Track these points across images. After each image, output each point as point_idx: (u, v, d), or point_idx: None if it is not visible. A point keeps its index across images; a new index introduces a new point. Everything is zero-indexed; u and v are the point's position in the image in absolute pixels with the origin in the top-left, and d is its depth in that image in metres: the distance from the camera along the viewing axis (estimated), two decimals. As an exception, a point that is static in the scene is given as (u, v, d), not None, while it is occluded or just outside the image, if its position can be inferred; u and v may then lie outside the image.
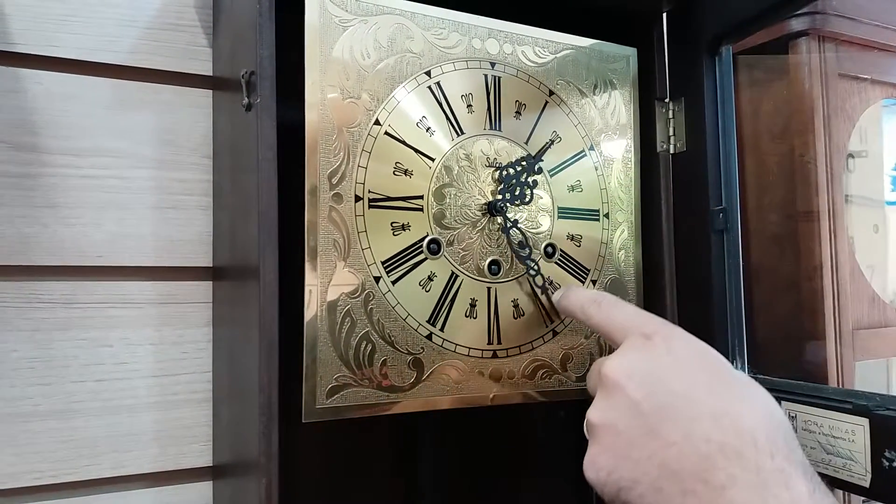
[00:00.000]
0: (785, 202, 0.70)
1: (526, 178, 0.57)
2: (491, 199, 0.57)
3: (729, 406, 0.39)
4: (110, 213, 0.62)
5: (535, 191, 0.58)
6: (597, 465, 0.41)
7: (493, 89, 0.58)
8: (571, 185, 0.61)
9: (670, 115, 0.64)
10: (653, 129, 0.65)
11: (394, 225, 0.53)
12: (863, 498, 0.53)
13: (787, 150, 0.70)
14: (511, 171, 0.57)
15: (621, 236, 0.63)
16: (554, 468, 0.71)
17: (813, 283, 0.69)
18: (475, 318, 0.55)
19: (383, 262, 0.52)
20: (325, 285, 0.50)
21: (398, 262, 0.53)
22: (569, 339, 0.59)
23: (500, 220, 0.56)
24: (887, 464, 0.46)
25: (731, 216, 0.60)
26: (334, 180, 0.51)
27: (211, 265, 0.66)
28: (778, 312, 0.69)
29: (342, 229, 0.51)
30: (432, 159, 0.55)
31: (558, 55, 0.61)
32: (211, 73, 0.67)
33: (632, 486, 0.39)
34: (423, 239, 0.54)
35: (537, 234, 0.59)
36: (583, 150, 0.62)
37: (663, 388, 0.41)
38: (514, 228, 0.57)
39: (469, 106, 0.57)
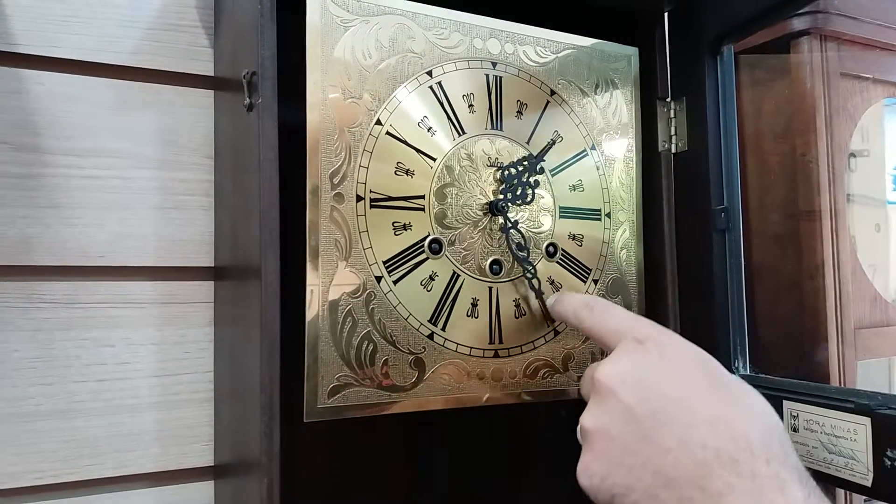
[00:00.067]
0: (786, 201, 0.70)
1: (527, 178, 0.57)
2: (492, 198, 0.57)
3: (724, 411, 0.39)
4: (112, 214, 0.63)
5: (536, 190, 0.58)
6: (590, 472, 0.41)
7: (495, 89, 0.58)
8: (573, 185, 0.61)
9: (672, 115, 0.64)
10: (654, 129, 0.65)
11: (395, 225, 0.53)
12: (864, 497, 0.53)
13: (789, 149, 0.70)
14: (513, 170, 0.57)
15: (623, 236, 0.63)
16: (555, 468, 0.71)
17: (815, 282, 0.68)
18: (476, 318, 0.55)
19: (385, 262, 0.52)
20: (327, 285, 0.50)
21: (399, 262, 0.53)
22: (570, 339, 0.59)
23: (500, 220, 0.56)
24: (889, 463, 0.46)
25: (732, 216, 0.60)
26: (336, 180, 0.51)
27: (212, 265, 0.66)
28: (780, 312, 0.69)
29: (343, 229, 0.51)
30: (434, 159, 0.55)
31: (560, 55, 0.61)
32: (212, 74, 0.67)
33: (626, 493, 0.39)
34: (424, 239, 0.54)
35: (539, 233, 0.59)
36: (584, 150, 0.62)
37: (656, 394, 0.40)
38: (514, 229, 0.56)
39: (470, 106, 0.57)
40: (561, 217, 0.60)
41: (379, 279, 0.52)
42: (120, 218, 0.63)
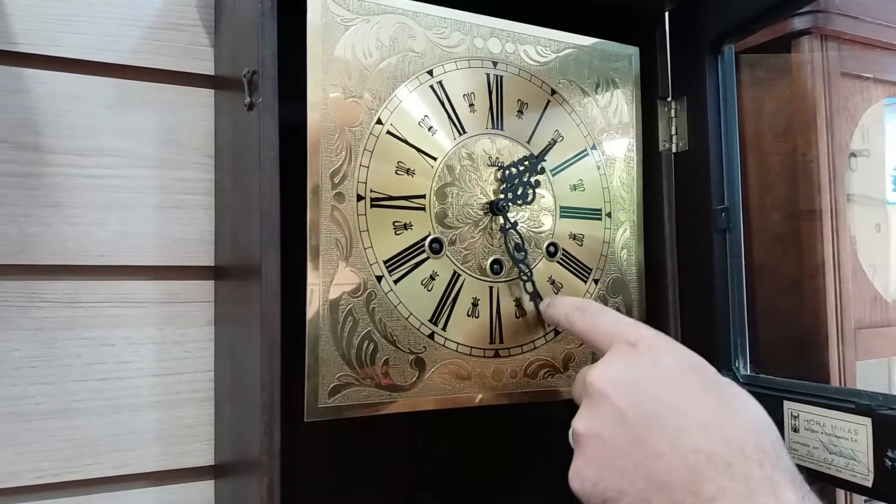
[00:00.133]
0: (787, 201, 0.70)
1: (528, 178, 0.57)
2: (493, 198, 0.57)
3: (716, 415, 0.38)
4: (113, 213, 0.63)
5: (537, 190, 0.58)
6: (582, 476, 0.41)
7: (496, 88, 0.58)
8: (573, 185, 0.61)
9: (672, 114, 0.64)
10: (655, 129, 0.65)
11: (396, 224, 0.53)
12: (865, 498, 0.53)
13: (790, 149, 0.70)
14: (513, 170, 0.57)
15: (623, 235, 0.63)
16: (555, 468, 0.71)
17: (815, 282, 0.69)
18: (477, 318, 0.55)
19: (385, 262, 0.52)
20: (327, 284, 0.50)
21: (400, 262, 0.53)
22: (571, 339, 0.59)
23: (501, 219, 0.56)
24: (890, 463, 0.46)
25: (733, 215, 0.60)
26: (336, 179, 0.51)
27: (213, 264, 0.66)
28: (780, 312, 0.69)
29: (344, 228, 0.51)
30: (434, 158, 0.55)
31: (560, 54, 0.61)
32: (213, 73, 0.67)
33: (618, 498, 0.38)
34: (425, 238, 0.54)
35: (539, 233, 0.59)
36: (585, 150, 0.62)
37: (649, 397, 0.40)
38: (513, 230, 0.56)
39: (471, 105, 0.57)
40: (561, 217, 0.60)
41: (379, 279, 0.52)
42: (121, 217, 0.63)
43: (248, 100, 0.49)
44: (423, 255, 0.54)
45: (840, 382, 0.68)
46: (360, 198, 0.51)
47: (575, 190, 0.61)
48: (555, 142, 0.60)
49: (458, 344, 0.54)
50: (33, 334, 0.60)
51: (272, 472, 0.44)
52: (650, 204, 0.65)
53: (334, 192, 0.50)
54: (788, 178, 0.70)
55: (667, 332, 0.61)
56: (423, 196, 0.54)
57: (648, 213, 0.65)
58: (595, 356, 0.60)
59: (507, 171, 0.57)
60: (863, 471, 0.47)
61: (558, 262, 0.59)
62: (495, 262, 0.56)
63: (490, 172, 0.57)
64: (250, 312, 0.50)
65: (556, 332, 0.59)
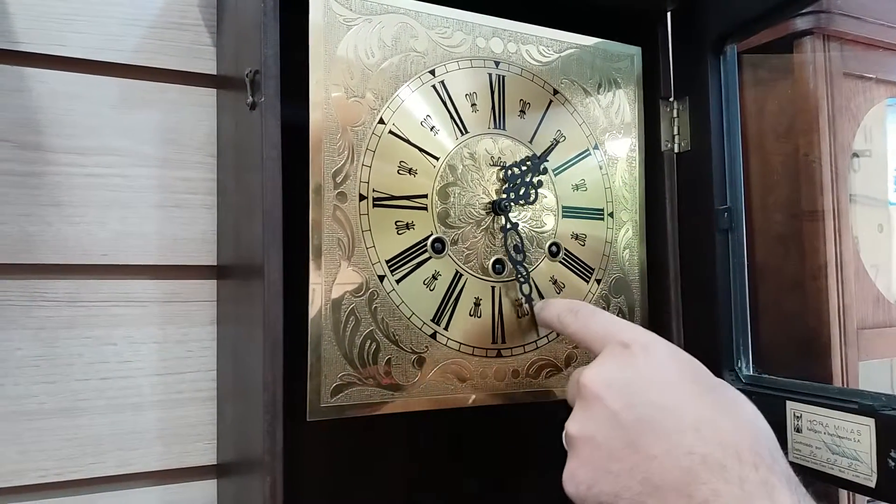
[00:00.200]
0: (789, 201, 0.70)
1: (530, 178, 0.57)
2: (495, 198, 0.57)
3: (711, 417, 0.38)
4: (114, 212, 0.63)
5: (539, 190, 0.58)
6: (576, 479, 0.40)
7: (498, 88, 0.58)
8: (576, 185, 0.61)
9: (675, 115, 0.64)
10: (657, 129, 0.65)
11: (398, 224, 0.53)
12: (868, 498, 0.53)
13: (792, 149, 0.70)
14: (516, 170, 0.57)
15: (626, 235, 0.63)
16: (558, 468, 0.71)
17: (817, 282, 0.69)
18: (479, 317, 0.55)
19: (387, 261, 0.52)
20: (330, 284, 0.50)
21: (402, 261, 0.53)
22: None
23: (502, 219, 0.56)
24: (893, 464, 0.46)
25: (735, 215, 0.60)
26: (338, 179, 0.51)
27: (215, 264, 0.66)
28: (783, 312, 0.69)
29: (346, 228, 0.51)
30: (436, 158, 0.55)
31: (562, 54, 0.61)
32: (215, 72, 0.67)
33: (613, 501, 0.38)
34: (427, 238, 0.54)
35: (541, 233, 0.59)
36: (587, 150, 0.62)
37: (642, 399, 0.39)
38: (514, 231, 0.56)
39: (473, 105, 0.57)
40: (564, 217, 0.60)
41: (382, 278, 0.52)
42: (122, 216, 0.63)
43: (250, 99, 0.49)
44: (426, 255, 0.54)
45: (843, 383, 0.68)
46: (362, 197, 0.51)
47: (577, 190, 0.61)
48: (557, 142, 0.60)
49: (460, 344, 0.54)
50: (35, 333, 0.60)
51: (275, 472, 0.44)
52: (652, 204, 0.65)
53: (336, 191, 0.50)
54: (791, 178, 0.70)
55: (669, 333, 0.62)
56: (426, 196, 0.54)
57: (651, 213, 0.64)
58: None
59: (510, 171, 0.57)
60: (866, 471, 0.47)
61: (560, 262, 0.59)
62: (497, 261, 0.56)
63: (492, 172, 0.57)
64: (253, 312, 0.50)
65: (557, 333, 0.59)
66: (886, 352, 0.75)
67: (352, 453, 0.65)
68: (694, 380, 0.41)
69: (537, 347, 0.58)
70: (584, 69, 0.62)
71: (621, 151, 0.64)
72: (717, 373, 0.57)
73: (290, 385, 0.46)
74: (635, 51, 0.65)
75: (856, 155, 0.75)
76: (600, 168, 0.62)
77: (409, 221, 0.53)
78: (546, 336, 0.58)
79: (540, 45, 0.60)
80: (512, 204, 0.56)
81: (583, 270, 0.60)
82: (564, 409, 0.44)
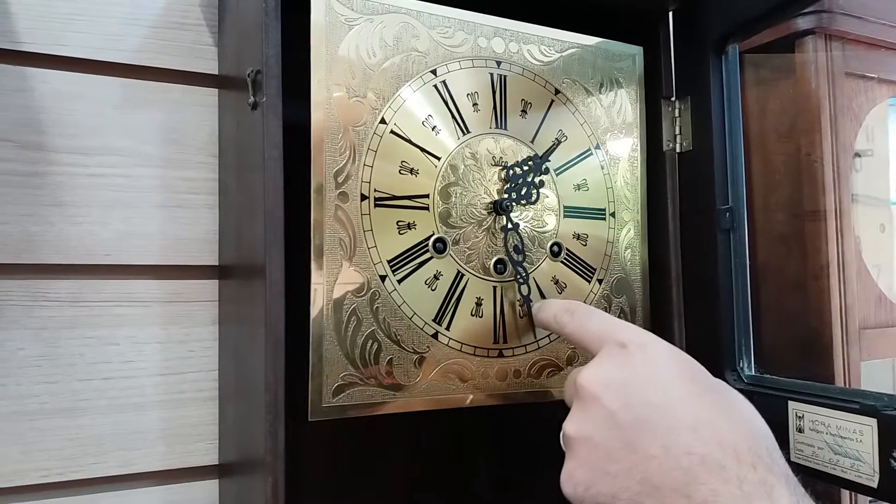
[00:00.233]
0: (791, 201, 0.70)
1: (532, 178, 0.57)
2: (497, 197, 0.56)
3: (709, 416, 0.38)
4: (117, 212, 0.63)
5: (540, 190, 0.58)
6: (574, 480, 0.40)
7: (499, 88, 0.58)
8: (577, 184, 0.61)
9: (676, 114, 0.64)
10: (659, 128, 0.65)
11: (399, 224, 0.53)
12: (870, 498, 0.53)
13: (794, 149, 0.70)
14: (517, 170, 0.57)
15: (627, 235, 0.63)
16: (560, 468, 0.71)
17: (819, 282, 0.68)
18: (481, 317, 0.55)
19: (389, 261, 0.52)
20: (331, 284, 0.50)
21: (404, 261, 0.53)
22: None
23: (504, 219, 0.56)
24: (895, 464, 0.46)
25: (737, 215, 0.60)
26: (340, 179, 0.51)
27: (217, 264, 0.66)
28: (784, 312, 0.69)
29: (348, 228, 0.51)
30: (438, 158, 0.55)
31: (564, 54, 0.61)
32: (217, 72, 0.67)
33: (611, 502, 0.38)
34: (428, 238, 0.54)
35: (543, 233, 0.59)
36: (589, 149, 0.62)
37: (640, 399, 0.39)
38: (514, 232, 0.56)
39: (475, 105, 0.57)
40: (565, 216, 0.60)
41: (383, 278, 0.52)
42: (124, 216, 0.63)
43: (251, 99, 0.49)
44: (427, 255, 0.54)
45: (845, 383, 0.68)
46: (363, 197, 0.51)
47: (579, 190, 0.61)
48: (559, 142, 0.60)
49: (462, 343, 0.54)
50: (38, 333, 0.60)
51: (276, 472, 0.44)
52: (654, 204, 0.65)
53: (338, 191, 0.50)
54: (792, 178, 0.70)
55: (671, 333, 0.62)
56: (427, 196, 0.54)
57: (652, 212, 0.64)
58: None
59: (511, 171, 0.57)
60: (868, 471, 0.47)
61: (562, 261, 0.59)
62: (499, 261, 0.56)
63: (494, 172, 0.57)
64: (254, 312, 0.50)
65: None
66: (888, 352, 0.75)
67: (353, 453, 0.65)
68: (692, 380, 0.41)
69: (539, 347, 0.58)
70: (585, 69, 0.62)
71: (623, 151, 0.63)
72: (719, 373, 0.57)
73: (291, 385, 0.46)
74: (637, 50, 0.65)
75: (858, 155, 0.75)
76: (602, 168, 0.62)
77: (411, 221, 0.53)
78: (548, 336, 0.58)
79: (541, 44, 0.60)
80: (513, 204, 0.56)
81: (584, 270, 0.60)
82: (565, 409, 0.44)
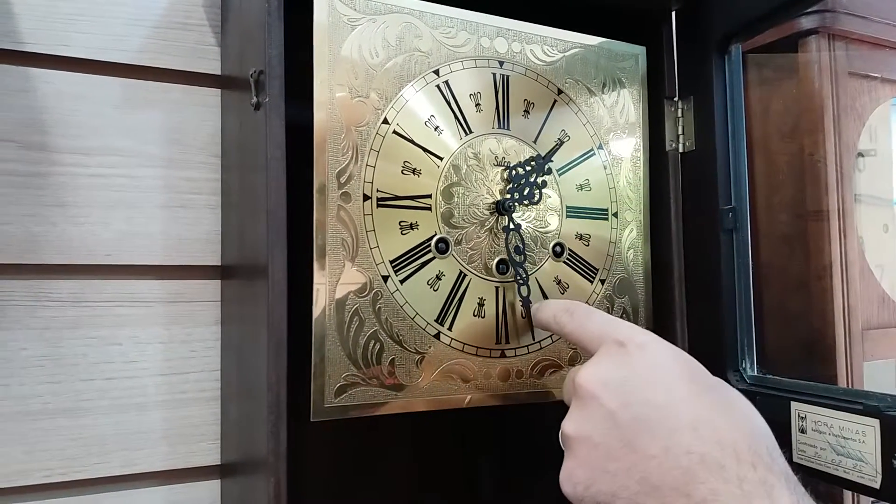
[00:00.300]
0: (794, 201, 0.69)
1: (535, 179, 0.57)
2: (499, 198, 0.56)
3: (708, 415, 0.38)
4: (119, 212, 0.63)
5: (543, 190, 0.58)
6: (574, 479, 0.40)
7: (502, 88, 0.58)
8: (580, 184, 0.61)
9: (679, 114, 0.64)
10: (662, 128, 0.65)
11: (402, 224, 0.53)
12: (872, 499, 0.53)
13: (797, 149, 0.70)
14: (520, 170, 0.57)
15: (630, 235, 0.63)
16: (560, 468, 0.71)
17: (822, 282, 0.68)
18: (483, 318, 0.55)
19: (391, 261, 0.52)
20: (334, 284, 0.50)
21: (406, 261, 0.53)
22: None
23: (506, 220, 0.56)
24: (898, 465, 0.46)
25: (740, 215, 0.60)
26: (343, 179, 0.51)
27: (219, 264, 0.66)
28: (787, 312, 0.69)
29: (350, 228, 0.51)
30: (440, 158, 0.55)
31: (567, 54, 0.61)
32: (219, 73, 0.67)
33: (610, 501, 0.38)
34: (431, 238, 0.54)
35: (545, 233, 0.59)
36: (591, 149, 0.62)
37: (639, 398, 0.39)
38: (516, 232, 0.56)
39: (477, 105, 0.57)
40: (568, 217, 0.60)
41: (386, 278, 0.52)
42: (127, 216, 0.63)
43: (254, 99, 0.49)
44: (430, 255, 0.54)
45: (847, 383, 0.68)
46: (366, 197, 0.51)
47: (581, 190, 0.61)
48: (562, 142, 0.60)
49: (464, 344, 0.54)
50: (40, 333, 0.60)
51: (279, 472, 0.45)
52: (657, 204, 0.64)
53: (341, 191, 0.50)
54: (795, 178, 0.70)
55: (673, 333, 0.62)
56: (430, 196, 0.54)
57: (655, 213, 0.64)
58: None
59: (514, 171, 0.57)
60: (870, 472, 0.47)
61: (564, 262, 0.59)
62: (501, 262, 0.56)
63: (496, 172, 0.57)
64: (257, 312, 0.50)
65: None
66: (891, 352, 0.75)
67: (355, 453, 0.65)
68: (691, 379, 0.41)
69: (541, 348, 0.58)
70: (588, 69, 0.62)
71: (626, 151, 0.63)
72: (722, 373, 0.57)
73: (293, 385, 0.46)
74: (640, 50, 0.65)
75: (861, 154, 0.75)
76: (605, 168, 0.62)
77: (413, 221, 0.53)
78: (550, 336, 0.58)
79: (544, 44, 0.60)
80: (516, 204, 0.56)
81: (587, 270, 0.60)
82: (567, 409, 0.44)
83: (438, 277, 0.54)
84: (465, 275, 0.55)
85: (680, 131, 0.64)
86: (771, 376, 0.58)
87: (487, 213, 0.56)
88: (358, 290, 0.51)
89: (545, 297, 0.58)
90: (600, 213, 0.61)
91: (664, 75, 0.65)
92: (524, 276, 0.56)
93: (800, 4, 0.60)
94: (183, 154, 0.65)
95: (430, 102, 0.55)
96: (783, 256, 0.69)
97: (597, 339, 0.45)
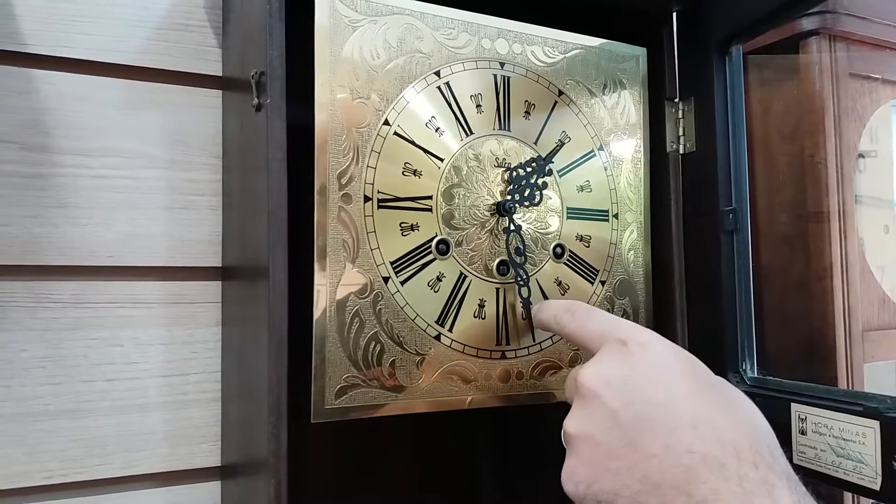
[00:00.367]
0: (795, 203, 0.69)
1: (535, 180, 0.57)
2: (500, 199, 0.56)
3: (710, 414, 0.38)
4: (121, 214, 0.63)
5: (543, 191, 0.58)
6: (575, 478, 0.40)
7: (503, 89, 0.58)
8: (580, 186, 0.61)
9: (680, 115, 0.64)
10: (662, 129, 0.65)
11: (403, 225, 0.53)
12: (872, 501, 0.53)
13: (798, 150, 0.70)
14: (520, 171, 0.57)
15: (630, 237, 0.63)
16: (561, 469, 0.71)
17: (823, 284, 0.68)
18: (484, 319, 0.55)
19: (392, 263, 0.52)
20: (334, 285, 0.50)
21: (407, 263, 0.53)
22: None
23: (506, 221, 0.56)
24: (898, 466, 0.46)
25: (740, 217, 0.60)
26: (343, 180, 0.51)
27: (221, 265, 0.66)
28: (788, 314, 0.69)
29: (351, 229, 0.51)
30: (441, 159, 0.55)
31: (568, 55, 0.61)
32: (221, 74, 0.67)
33: (612, 500, 0.38)
34: (431, 239, 0.54)
35: (546, 234, 0.59)
36: (592, 151, 0.62)
37: (641, 397, 0.39)
38: (516, 233, 0.56)
39: (478, 106, 0.57)
40: (568, 218, 0.60)
41: (386, 280, 0.52)
42: (128, 218, 0.63)
43: (256, 101, 0.49)
44: (430, 257, 0.54)
45: (848, 385, 0.68)
46: (367, 199, 0.51)
47: (582, 191, 0.61)
48: (562, 143, 0.60)
49: (465, 345, 0.54)
50: (41, 335, 0.60)
51: (279, 474, 0.45)
52: (657, 205, 0.64)
53: (341, 192, 0.50)
54: (796, 179, 0.70)
55: (673, 334, 0.62)
56: (430, 197, 0.54)
57: (656, 214, 0.64)
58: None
59: (514, 173, 0.57)
60: (871, 474, 0.47)
61: (565, 263, 0.59)
62: (502, 263, 0.56)
63: (497, 173, 0.57)
64: (258, 313, 0.50)
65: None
66: (892, 354, 0.75)
67: (356, 455, 0.65)
68: (693, 377, 0.41)
69: (541, 349, 0.58)
70: (589, 70, 0.62)
71: (626, 152, 0.63)
72: (722, 375, 0.57)
73: (294, 386, 0.46)
74: (640, 51, 0.65)
75: (861, 156, 0.75)
76: (605, 169, 0.62)
77: (414, 223, 0.53)
78: (550, 338, 0.58)
79: (545, 45, 0.60)
80: (517, 205, 0.56)
81: (587, 272, 0.60)
82: (568, 411, 0.44)
83: (439, 279, 0.54)
84: (466, 276, 0.55)
85: (680, 132, 0.64)
86: (771, 378, 0.58)
87: (488, 214, 0.56)
88: (358, 292, 0.51)
89: (546, 298, 0.58)
90: (601, 215, 0.61)
91: (665, 76, 0.65)
92: (525, 277, 0.56)
93: (801, 6, 0.60)
94: (184, 155, 0.65)
95: (430, 104, 0.55)
96: (784, 258, 0.69)
97: (598, 339, 0.45)
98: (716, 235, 0.60)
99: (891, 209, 0.79)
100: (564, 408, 0.45)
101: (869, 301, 0.72)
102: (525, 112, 0.59)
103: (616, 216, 0.62)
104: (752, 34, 0.61)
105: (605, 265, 0.61)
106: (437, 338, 0.53)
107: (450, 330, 0.54)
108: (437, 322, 0.54)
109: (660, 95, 0.65)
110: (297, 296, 0.47)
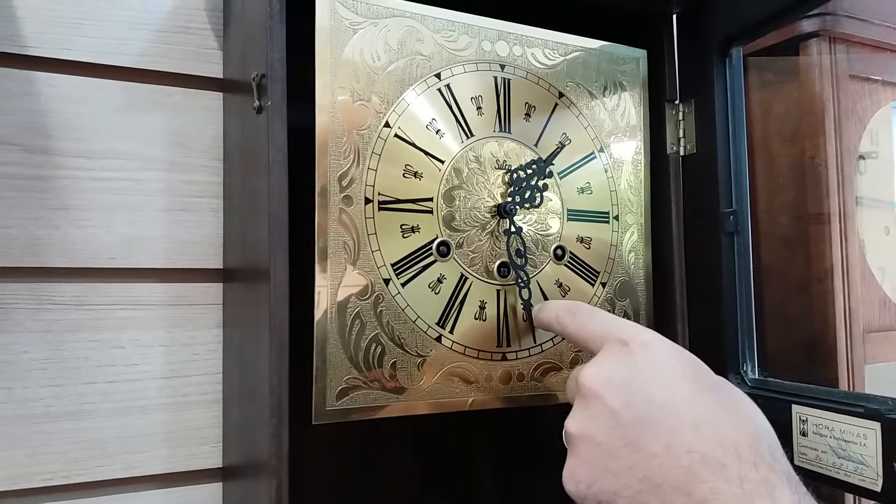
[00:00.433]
0: (795, 204, 0.69)
1: (536, 182, 0.57)
2: (500, 201, 0.57)
3: (711, 414, 0.38)
4: (122, 215, 0.63)
5: (544, 193, 0.58)
6: (576, 478, 0.40)
7: (503, 91, 0.58)
8: (581, 188, 0.61)
9: (680, 117, 0.64)
10: (663, 131, 0.65)
11: (403, 227, 0.53)
12: (873, 502, 0.53)
13: (798, 151, 0.70)
14: (521, 173, 0.57)
15: (631, 238, 0.63)
16: (562, 470, 0.71)
17: (823, 285, 0.68)
18: (484, 321, 0.55)
19: (393, 265, 0.52)
20: (335, 287, 0.50)
21: (408, 265, 0.53)
22: (578, 342, 0.59)
23: (507, 223, 0.56)
24: (899, 468, 0.46)
25: (741, 218, 0.60)
26: (344, 182, 0.51)
27: (221, 267, 0.66)
28: (788, 315, 0.69)
29: (352, 231, 0.51)
30: (442, 161, 0.55)
31: (568, 57, 0.61)
32: (221, 76, 0.67)
33: (612, 500, 0.38)
34: (432, 241, 0.54)
35: (547, 236, 0.59)
36: (592, 152, 0.62)
37: (642, 397, 0.39)
38: (517, 235, 0.56)
39: (479, 108, 0.57)
40: (569, 220, 0.60)
41: (387, 281, 0.52)
42: (129, 220, 0.63)
43: (256, 103, 0.49)
44: (431, 258, 0.54)
45: (849, 386, 0.68)
46: (367, 201, 0.52)
47: (582, 193, 0.61)
48: (563, 145, 0.60)
49: (466, 347, 0.55)
50: (43, 336, 0.60)
51: (280, 475, 0.45)
52: (658, 207, 0.64)
53: (342, 194, 0.51)
54: (796, 181, 0.70)
55: (674, 336, 0.62)
56: (431, 199, 0.54)
57: (656, 216, 0.64)
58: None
59: (515, 175, 0.57)
60: (871, 475, 0.47)
61: (566, 265, 0.59)
62: (502, 264, 0.56)
63: (497, 175, 0.57)
64: (259, 315, 0.50)
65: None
66: (893, 355, 0.75)
67: (357, 456, 0.65)
68: (694, 378, 0.41)
69: (542, 350, 0.58)
70: (589, 72, 0.62)
71: (627, 154, 0.63)
72: (723, 376, 0.57)
73: (295, 388, 0.46)
74: (641, 53, 0.65)
75: (862, 157, 0.75)
76: (606, 171, 0.62)
77: (415, 225, 0.53)
78: (551, 339, 0.58)
79: (545, 48, 0.60)
80: (517, 207, 0.56)
81: (588, 274, 0.60)
82: (569, 412, 0.44)
83: (440, 280, 0.54)
84: (467, 278, 0.55)
85: (681, 134, 0.64)
86: (772, 379, 0.58)
87: (489, 216, 0.56)
88: (359, 293, 0.51)
89: (546, 299, 0.58)
90: (601, 216, 0.62)
91: (665, 78, 0.65)
92: (525, 279, 0.56)
93: (801, 7, 0.60)
94: (185, 157, 0.65)
95: (431, 106, 0.55)
96: (784, 259, 0.69)
97: (600, 339, 0.45)
98: (716, 237, 0.60)
99: (891, 210, 0.79)
100: (565, 409, 0.45)
101: (870, 302, 0.72)
102: (525, 114, 0.59)
103: (616, 218, 0.62)
104: (753, 36, 0.61)
105: (605, 267, 0.61)
106: (438, 339, 0.54)
107: (451, 331, 0.54)
108: (437, 324, 0.54)
109: (660, 97, 0.65)
110: (298, 297, 0.47)
